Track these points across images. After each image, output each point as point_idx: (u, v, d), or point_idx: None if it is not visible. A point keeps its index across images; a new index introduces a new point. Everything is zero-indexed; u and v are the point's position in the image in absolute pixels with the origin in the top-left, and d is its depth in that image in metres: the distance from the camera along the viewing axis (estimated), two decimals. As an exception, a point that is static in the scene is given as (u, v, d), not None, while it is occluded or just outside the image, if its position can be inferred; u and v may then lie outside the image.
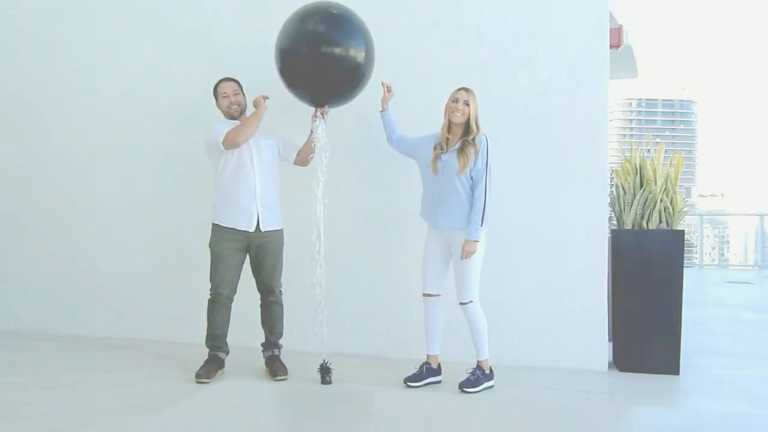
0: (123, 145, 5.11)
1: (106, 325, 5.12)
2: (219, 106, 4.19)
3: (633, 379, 4.19)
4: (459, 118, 3.86)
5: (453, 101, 3.89)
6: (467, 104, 3.86)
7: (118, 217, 5.12)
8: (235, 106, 4.13)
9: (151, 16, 5.06)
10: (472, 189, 3.85)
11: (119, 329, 5.08)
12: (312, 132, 4.06)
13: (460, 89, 3.92)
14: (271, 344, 4.22)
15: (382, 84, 4.16)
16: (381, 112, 4.19)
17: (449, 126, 3.91)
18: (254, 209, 4.05)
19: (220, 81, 4.20)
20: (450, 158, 3.88)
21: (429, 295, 4.00)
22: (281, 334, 4.24)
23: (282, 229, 4.21)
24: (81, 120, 5.21)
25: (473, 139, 3.85)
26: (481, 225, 3.81)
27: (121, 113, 5.11)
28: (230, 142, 3.98)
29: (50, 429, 3.20)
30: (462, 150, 3.84)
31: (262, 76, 4.60)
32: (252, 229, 4.05)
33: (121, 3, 5.14)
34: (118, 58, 5.11)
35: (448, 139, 3.92)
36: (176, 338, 4.84)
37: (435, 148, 3.95)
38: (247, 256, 4.17)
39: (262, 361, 4.23)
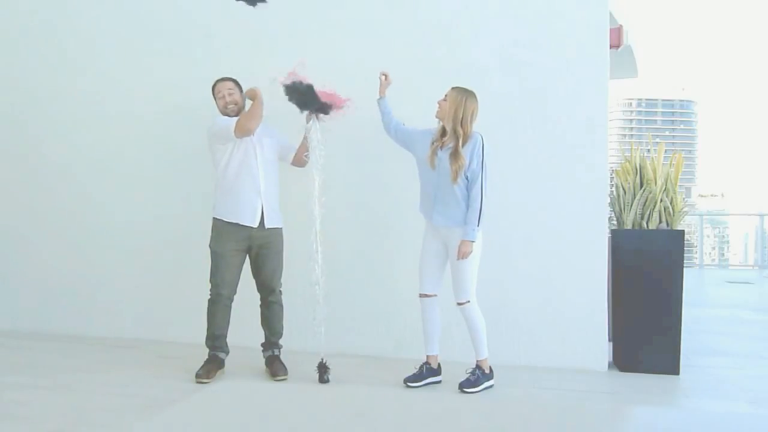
0: (122, 146, 5.12)
1: (106, 325, 5.12)
2: (217, 103, 4.19)
3: (633, 379, 4.18)
4: (438, 114, 3.89)
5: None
6: (444, 99, 3.86)
7: (117, 217, 5.12)
8: (232, 106, 4.12)
9: (152, 16, 5.07)
10: (468, 189, 3.84)
11: (119, 329, 5.08)
12: (306, 132, 4.05)
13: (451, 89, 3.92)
14: (271, 344, 4.22)
15: (381, 74, 4.13)
16: (378, 99, 4.16)
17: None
18: (259, 204, 4.05)
19: (216, 81, 4.19)
20: (445, 156, 3.85)
21: (425, 296, 3.98)
22: (281, 334, 4.24)
23: (282, 228, 4.21)
24: (80, 121, 5.21)
25: (462, 145, 3.80)
26: (478, 225, 3.80)
27: (120, 114, 5.11)
28: (242, 128, 3.95)
29: (50, 429, 3.20)
30: (454, 157, 3.80)
31: (262, 76, 4.60)
32: (255, 224, 4.04)
33: (121, 7, 5.14)
34: (117, 59, 5.12)
35: (443, 133, 3.89)
36: (176, 338, 4.84)
37: (433, 142, 3.92)
38: (247, 256, 4.16)
39: (262, 361, 4.23)
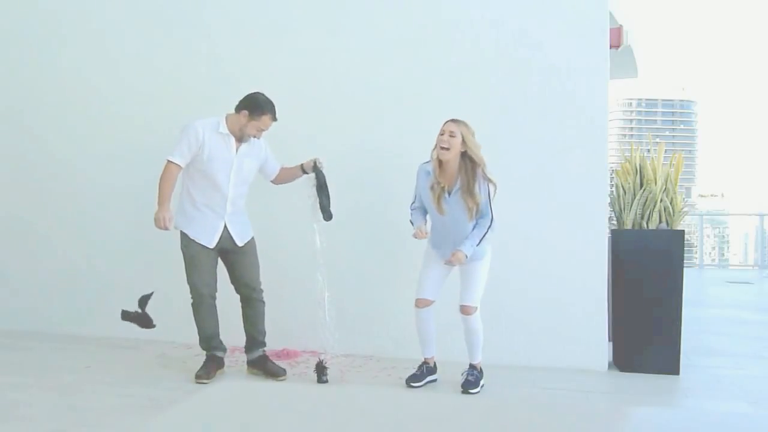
0: (123, 146, 5.11)
1: (106, 325, 5.11)
2: (246, 123, 3.84)
3: (633, 379, 4.18)
4: (446, 155, 3.66)
5: (440, 134, 3.72)
6: (453, 135, 3.67)
7: (118, 217, 5.12)
8: (255, 138, 3.94)
9: (153, 16, 5.07)
10: (478, 218, 3.77)
11: (119, 329, 5.05)
12: (305, 171, 4.03)
13: (447, 121, 3.74)
14: (257, 343, 4.12)
15: (419, 232, 3.86)
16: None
17: (441, 164, 3.73)
18: (221, 226, 3.96)
19: (269, 113, 3.85)
20: (455, 200, 3.75)
21: (424, 302, 3.91)
22: (265, 333, 4.16)
23: (252, 237, 4.11)
24: (82, 121, 5.21)
25: (476, 172, 3.70)
26: (477, 245, 3.74)
27: (122, 115, 5.11)
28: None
29: (50, 429, 3.20)
30: (469, 194, 3.69)
31: (263, 76, 4.61)
32: (212, 246, 3.95)
33: (123, 4, 5.14)
34: (120, 60, 5.12)
35: (445, 177, 3.76)
36: (176, 338, 4.83)
37: (432, 188, 3.79)
38: (221, 259, 4.09)
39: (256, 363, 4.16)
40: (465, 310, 3.82)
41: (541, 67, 4.41)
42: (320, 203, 3.96)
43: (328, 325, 3.94)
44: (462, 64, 4.49)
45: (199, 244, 3.97)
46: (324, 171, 3.98)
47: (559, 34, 4.39)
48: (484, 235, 3.76)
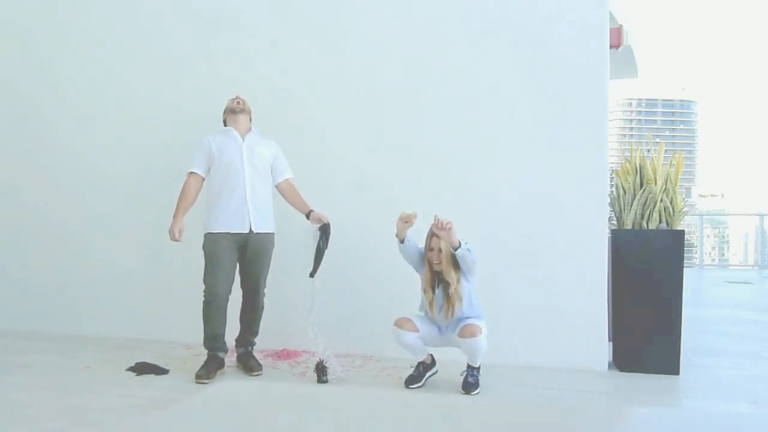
0: (124, 146, 5.13)
1: (106, 325, 5.12)
2: (226, 115, 4.19)
3: (633, 379, 4.18)
4: (439, 267, 3.77)
5: (429, 250, 3.78)
6: (441, 251, 3.73)
7: (118, 217, 5.13)
8: (238, 100, 4.16)
9: (155, 19, 5.07)
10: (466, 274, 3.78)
11: (119, 329, 5.09)
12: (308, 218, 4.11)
13: (433, 235, 3.75)
14: (247, 342, 4.23)
15: (408, 216, 3.74)
16: (399, 245, 3.87)
17: (431, 268, 3.80)
18: (246, 211, 4.04)
19: (227, 104, 4.22)
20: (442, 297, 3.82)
21: (406, 322, 3.85)
22: (257, 334, 4.25)
23: (274, 233, 4.19)
24: (82, 121, 5.23)
25: (455, 288, 3.75)
26: (463, 243, 3.69)
27: (124, 115, 5.13)
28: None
29: (50, 429, 3.20)
30: (449, 302, 3.77)
31: (264, 79, 4.61)
32: (246, 230, 4.04)
33: (126, 7, 5.15)
34: (123, 62, 5.13)
35: (434, 280, 3.82)
36: (176, 338, 4.84)
37: (424, 290, 3.85)
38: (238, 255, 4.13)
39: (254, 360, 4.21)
40: (470, 329, 3.73)
41: (541, 67, 4.41)
42: (315, 258, 3.99)
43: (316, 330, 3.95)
44: (462, 64, 4.49)
45: (222, 234, 4.02)
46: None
47: (559, 34, 4.39)
48: (470, 256, 3.71)
